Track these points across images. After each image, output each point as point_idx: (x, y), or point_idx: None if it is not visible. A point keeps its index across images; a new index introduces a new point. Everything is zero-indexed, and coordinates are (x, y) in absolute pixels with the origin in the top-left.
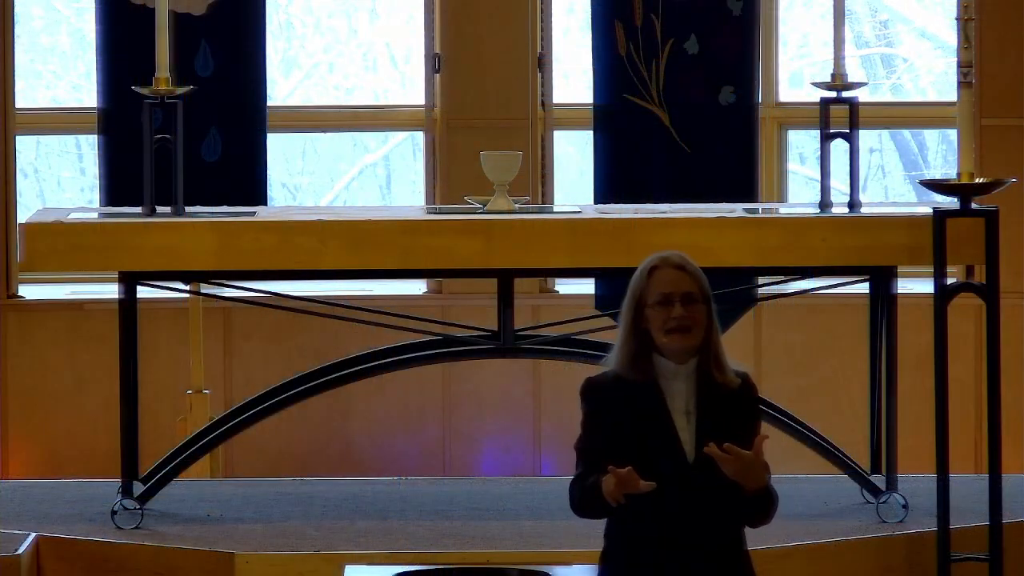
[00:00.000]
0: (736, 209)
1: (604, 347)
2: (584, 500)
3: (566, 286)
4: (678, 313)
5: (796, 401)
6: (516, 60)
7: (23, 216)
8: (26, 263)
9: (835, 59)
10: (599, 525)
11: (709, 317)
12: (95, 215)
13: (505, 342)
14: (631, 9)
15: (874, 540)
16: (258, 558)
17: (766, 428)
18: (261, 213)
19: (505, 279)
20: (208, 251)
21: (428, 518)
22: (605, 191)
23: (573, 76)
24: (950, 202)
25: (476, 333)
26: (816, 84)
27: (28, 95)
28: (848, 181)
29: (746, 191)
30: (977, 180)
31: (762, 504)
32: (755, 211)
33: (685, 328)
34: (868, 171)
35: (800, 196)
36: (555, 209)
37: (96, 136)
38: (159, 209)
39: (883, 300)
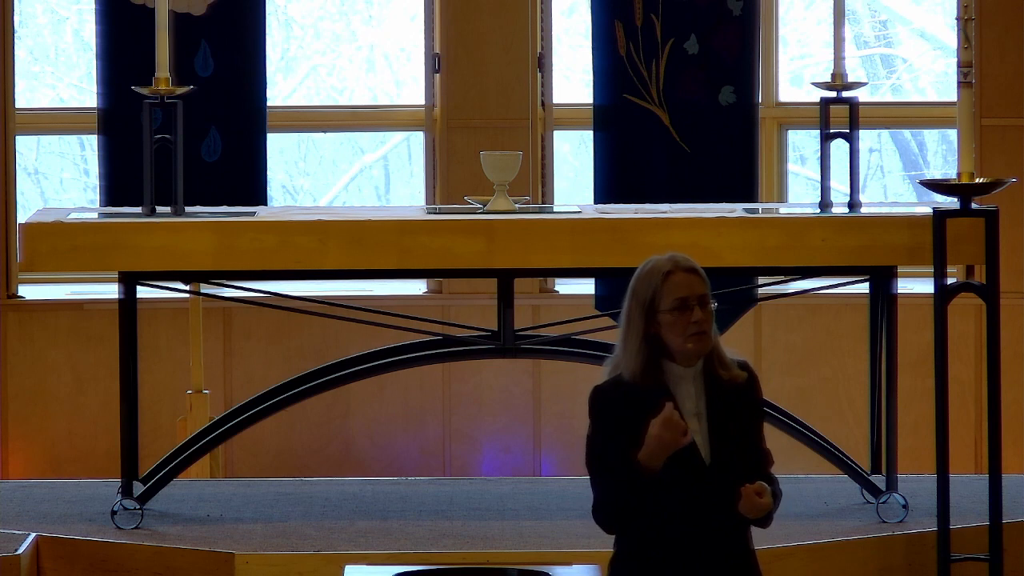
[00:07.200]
0: (736, 209)
1: (604, 347)
2: (619, 498)
3: (566, 286)
4: (698, 317)
5: (796, 401)
6: (516, 60)
7: (23, 216)
8: (26, 263)
9: (835, 59)
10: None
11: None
12: (95, 215)
13: (505, 342)
14: (631, 9)
15: (874, 540)
16: (258, 558)
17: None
18: (261, 213)
19: (505, 279)
20: (208, 251)
21: (428, 518)
22: (605, 191)
23: (573, 76)
24: (950, 202)
25: (476, 333)
26: (816, 84)
27: (28, 95)
28: (848, 181)
29: (746, 191)
30: (977, 180)
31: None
32: (755, 211)
33: (704, 332)
34: (868, 171)
35: (800, 196)
36: (555, 209)
37: (96, 136)
38: (159, 209)
39: (883, 300)
